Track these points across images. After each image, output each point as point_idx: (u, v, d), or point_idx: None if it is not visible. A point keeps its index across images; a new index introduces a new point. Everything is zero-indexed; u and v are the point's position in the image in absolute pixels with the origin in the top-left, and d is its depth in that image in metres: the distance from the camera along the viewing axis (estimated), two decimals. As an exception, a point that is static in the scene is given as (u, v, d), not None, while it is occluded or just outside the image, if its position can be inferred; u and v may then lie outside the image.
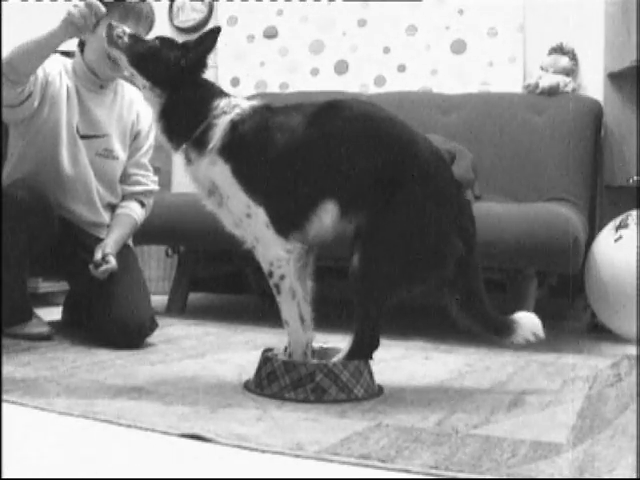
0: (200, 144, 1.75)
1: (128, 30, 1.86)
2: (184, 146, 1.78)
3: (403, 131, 1.77)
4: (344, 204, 1.74)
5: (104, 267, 2.29)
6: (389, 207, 1.71)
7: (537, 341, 1.86)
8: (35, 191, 2.23)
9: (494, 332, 1.87)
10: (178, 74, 1.78)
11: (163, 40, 1.85)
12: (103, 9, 2.05)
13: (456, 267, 1.77)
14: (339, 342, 1.90)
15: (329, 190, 1.73)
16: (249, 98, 1.90)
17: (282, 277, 1.74)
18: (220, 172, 1.73)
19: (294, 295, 1.76)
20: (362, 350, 1.80)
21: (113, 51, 1.86)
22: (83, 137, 2.41)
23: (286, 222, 1.73)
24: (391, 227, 1.72)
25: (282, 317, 1.79)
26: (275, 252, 1.73)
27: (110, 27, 1.85)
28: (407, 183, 1.72)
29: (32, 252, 2.26)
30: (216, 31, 1.81)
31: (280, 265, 1.74)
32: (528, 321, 1.87)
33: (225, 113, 1.75)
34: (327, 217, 1.74)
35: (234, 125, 1.74)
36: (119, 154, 2.48)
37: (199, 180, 1.78)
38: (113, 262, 2.31)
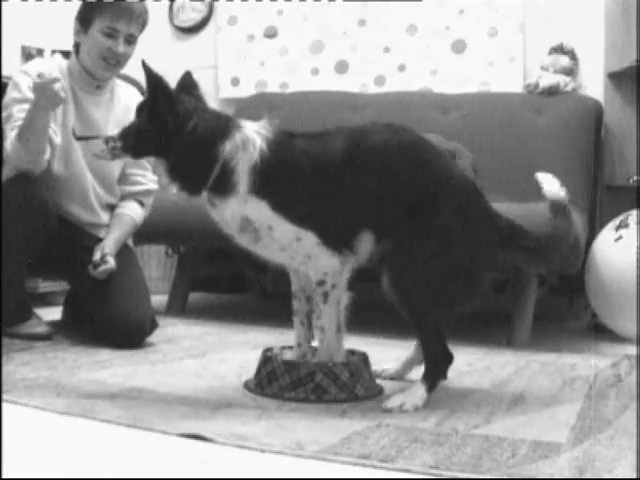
0: (223, 189, 1.69)
1: (115, 133, 1.77)
2: (204, 193, 1.72)
3: (437, 159, 1.76)
4: (379, 232, 1.72)
5: (103, 267, 2.29)
6: (417, 236, 1.69)
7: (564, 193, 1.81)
8: (33, 191, 2.23)
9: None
10: (168, 138, 1.70)
11: (144, 110, 1.75)
12: (55, 75, 2.04)
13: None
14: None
15: (366, 221, 1.72)
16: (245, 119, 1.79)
17: (334, 286, 1.74)
18: (257, 209, 1.68)
19: (338, 305, 1.76)
20: (436, 370, 1.78)
21: (121, 159, 1.87)
22: (80, 138, 2.41)
23: (336, 240, 1.72)
24: (420, 254, 1.68)
25: (319, 324, 1.77)
26: (330, 262, 1.72)
27: (106, 142, 1.76)
28: (440, 214, 1.69)
29: (30, 252, 2.25)
30: (189, 74, 1.76)
31: (334, 275, 1.73)
32: (548, 185, 1.81)
33: (237, 155, 1.67)
34: (364, 246, 1.74)
35: (260, 165, 1.67)
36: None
37: (227, 221, 1.73)
38: (112, 262, 2.31)
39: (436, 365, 1.77)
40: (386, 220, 1.71)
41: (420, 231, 1.69)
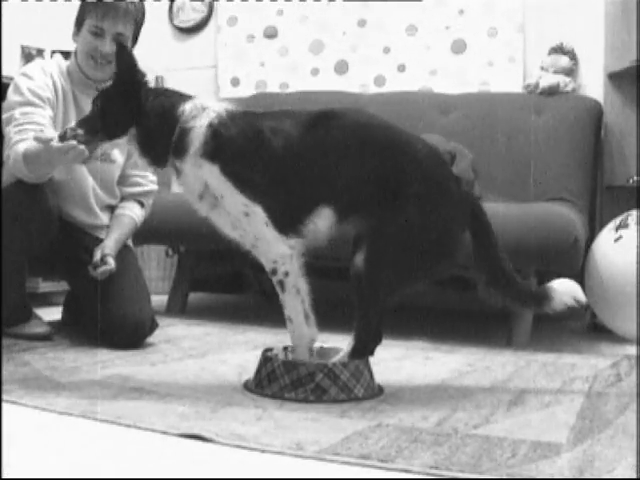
0: (180, 150, 1.74)
1: (73, 125, 1.87)
2: (170, 161, 1.77)
3: (398, 135, 1.80)
4: (342, 210, 1.75)
5: (102, 268, 2.29)
6: (393, 208, 1.73)
7: (579, 306, 1.84)
8: (35, 192, 2.23)
9: (530, 303, 1.89)
10: (127, 114, 1.78)
11: (100, 97, 1.87)
12: (84, 152, 1.84)
13: (476, 248, 1.82)
14: (339, 342, 1.90)
15: (325, 197, 1.74)
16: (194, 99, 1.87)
17: (286, 274, 1.74)
18: (209, 173, 1.72)
19: (298, 291, 1.76)
20: (365, 348, 1.80)
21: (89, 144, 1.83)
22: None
23: (285, 221, 1.73)
24: (396, 227, 1.73)
25: (285, 314, 1.78)
26: (278, 249, 1.73)
27: (63, 136, 1.83)
28: (409, 184, 1.74)
29: (31, 253, 2.25)
30: (121, 48, 1.81)
31: (284, 262, 1.74)
32: (565, 286, 1.86)
33: (195, 117, 1.74)
34: (322, 223, 1.75)
35: (215, 128, 1.72)
36: (117, 157, 2.47)
37: (188, 186, 1.78)
38: (112, 263, 2.31)
39: (367, 342, 1.81)
40: (349, 197, 1.74)
41: (394, 205, 1.72)
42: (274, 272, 1.75)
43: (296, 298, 1.76)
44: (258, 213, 1.71)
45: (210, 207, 1.77)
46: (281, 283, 1.75)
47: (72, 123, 1.89)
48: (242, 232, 1.76)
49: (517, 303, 1.90)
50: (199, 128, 1.73)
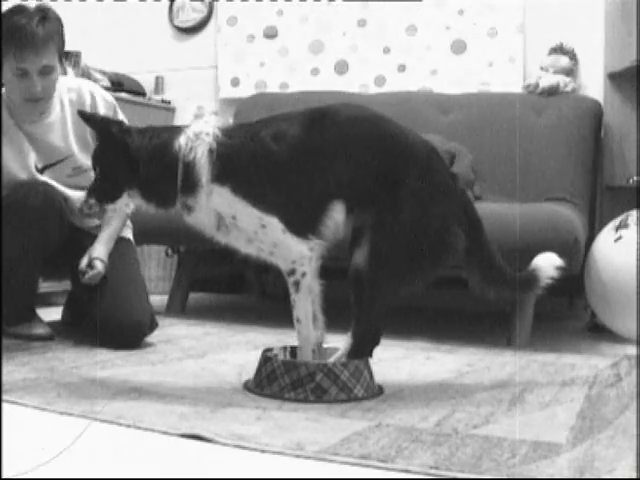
0: (191, 187, 1.69)
1: (83, 197, 1.78)
2: (178, 200, 1.72)
3: (396, 129, 1.80)
4: (350, 203, 1.75)
5: (90, 273, 2.27)
6: (393, 204, 1.74)
7: (561, 270, 1.91)
8: (48, 197, 2.23)
9: (522, 289, 1.94)
10: (125, 175, 1.72)
11: (97, 157, 1.78)
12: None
13: (468, 244, 1.82)
14: (339, 342, 1.90)
15: (335, 191, 1.74)
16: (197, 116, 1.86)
17: (304, 274, 1.74)
18: (219, 196, 1.69)
19: (311, 293, 1.77)
20: (364, 348, 1.80)
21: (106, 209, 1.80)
22: (46, 168, 2.33)
23: (302, 225, 1.73)
24: (397, 223, 1.73)
25: (294, 315, 1.78)
26: (298, 250, 1.73)
27: (81, 211, 1.80)
28: (408, 179, 1.74)
29: (45, 252, 2.26)
30: (83, 116, 1.78)
31: (303, 263, 1.74)
32: (545, 261, 1.91)
33: (193, 148, 1.69)
34: (339, 216, 1.76)
35: (216, 152, 1.69)
36: (89, 165, 2.41)
37: (204, 221, 1.74)
38: (99, 267, 2.28)
39: (365, 343, 1.82)
40: (356, 191, 1.75)
41: (394, 200, 1.73)
42: (292, 272, 1.75)
43: (308, 299, 1.77)
44: (274, 223, 1.70)
45: (226, 233, 1.76)
46: (297, 283, 1.75)
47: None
48: (259, 244, 1.74)
49: (509, 292, 1.94)
50: (201, 157, 1.69)
